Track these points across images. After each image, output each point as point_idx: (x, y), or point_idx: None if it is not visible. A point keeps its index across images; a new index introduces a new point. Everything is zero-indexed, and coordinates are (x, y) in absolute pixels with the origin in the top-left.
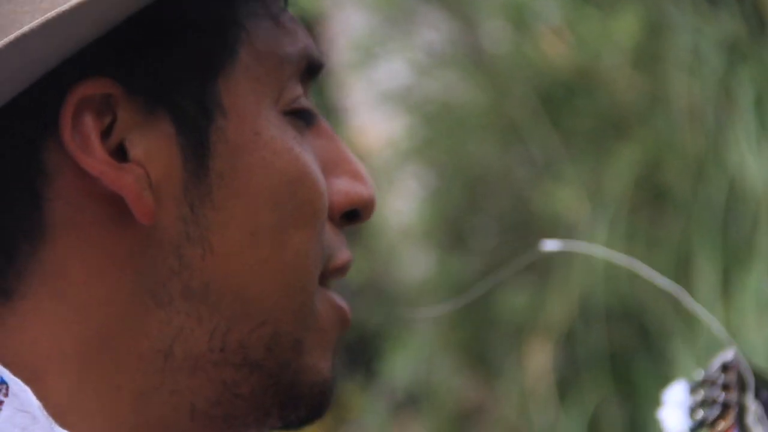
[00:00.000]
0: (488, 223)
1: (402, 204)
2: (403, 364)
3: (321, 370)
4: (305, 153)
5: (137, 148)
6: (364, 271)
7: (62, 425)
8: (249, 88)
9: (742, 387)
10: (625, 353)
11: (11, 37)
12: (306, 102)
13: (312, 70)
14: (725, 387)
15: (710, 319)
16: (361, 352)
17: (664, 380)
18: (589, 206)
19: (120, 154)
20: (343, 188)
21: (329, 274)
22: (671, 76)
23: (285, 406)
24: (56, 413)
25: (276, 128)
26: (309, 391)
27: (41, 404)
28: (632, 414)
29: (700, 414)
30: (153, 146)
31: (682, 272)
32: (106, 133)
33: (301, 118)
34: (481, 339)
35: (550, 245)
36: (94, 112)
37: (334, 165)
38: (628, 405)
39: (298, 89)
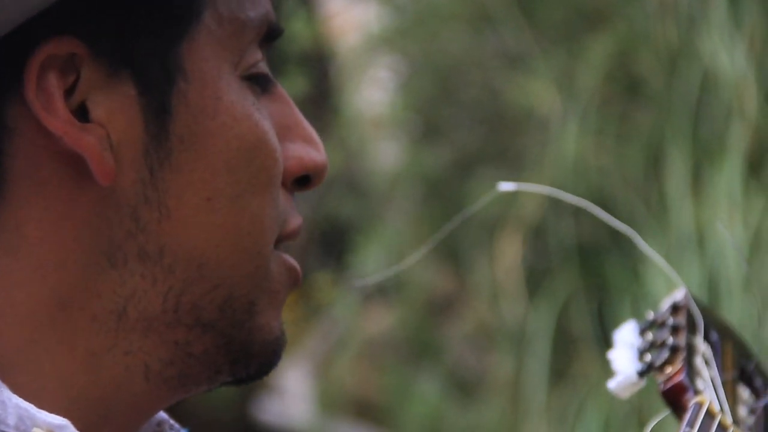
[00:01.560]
0: (460, 113)
1: (373, 94)
2: (374, 256)
3: (273, 329)
4: (264, 120)
5: (99, 108)
6: (336, 162)
7: (11, 385)
8: (211, 51)
9: (692, 328)
10: (594, 247)
11: None
12: (264, 67)
13: (271, 35)
14: (674, 329)
15: (660, 261)
16: (333, 244)
17: (633, 274)
18: (561, 99)
19: (82, 113)
20: (296, 153)
21: (283, 238)
22: None
23: (236, 363)
24: (5, 371)
25: (236, 93)
26: (261, 349)
27: None
28: (601, 307)
29: (649, 357)
30: (115, 107)
31: (653, 166)
32: (68, 93)
33: (258, 83)
34: (451, 231)
35: (506, 186)
36: (58, 71)
37: (287, 129)
38: (597, 298)
39: (258, 54)
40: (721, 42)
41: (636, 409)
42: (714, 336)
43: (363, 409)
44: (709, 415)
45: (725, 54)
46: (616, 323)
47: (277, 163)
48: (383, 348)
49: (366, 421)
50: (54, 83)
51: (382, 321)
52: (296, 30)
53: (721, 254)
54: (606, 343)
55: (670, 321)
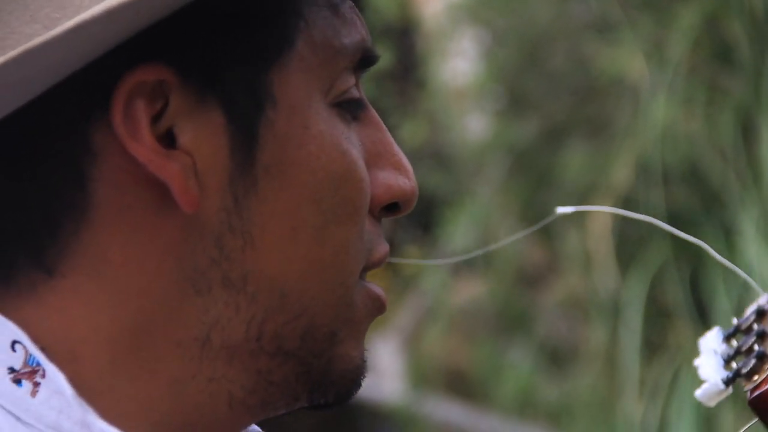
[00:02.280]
0: (547, 83)
1: (459, 65)
2: (462, 227)
3: (353, 359)
4: (352, 149)
5: (186, 135)
6: (421, 134)
7: (95, 409)
8: (302, 78)
9: None
10: (686, 215)
11: (73, 22)
12: (355, 92)
13: (366, 62)
14: (760, 336)
15: (741, 273)
16: (421, 217)
17: (726, 242)
18: (650, 67)
19: (168, 139)
20: (385, 181)
21: (369, 267)
22: None
23: (314, 391)
24: (90, 397)
25: (324, 122)
26: (340, 378)
27: (75, 387)
28: (694, 276)
29: (735, 365)
30: (201, 134)
31: (743, 133)
32: (155, 119)
33: (349, 109)
34: (540, 201)
35: (564, 210)
36: (146, 97)
37: (378, 156)
38: (689, 267)
39: (350, 80)
40: None
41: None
42: None
43: (454, 383)
44: None
45: None
46: (710, 293)
47: (364, 193)
48: (473, 320)
49: (457, 395)
50: (141, 109)
51: (471, 293)
52: (381, 2)
53: None
54: (699, 313)
55: (756, 327)
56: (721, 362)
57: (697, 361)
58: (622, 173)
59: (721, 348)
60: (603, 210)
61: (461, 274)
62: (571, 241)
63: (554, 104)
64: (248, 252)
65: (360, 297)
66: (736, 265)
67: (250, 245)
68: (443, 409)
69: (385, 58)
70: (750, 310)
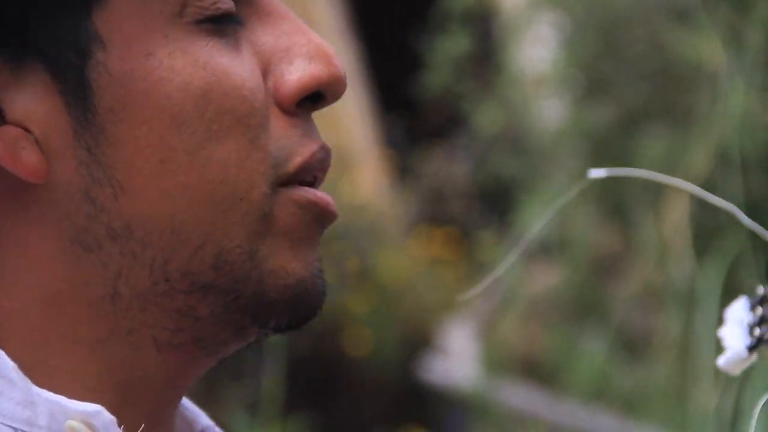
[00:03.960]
0: (625, 69)
1: (536, 51)
2: (538, 214)
3: (292, 271)
4: (221, 57)
5: (13, 107)
6: (498, 121)
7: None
8: (133, 10)
9: None
10: (763, 202)
11: None
12: (226, 4)
13: None
14: None
15: None
16: (496, 202)
17: None
18: (728, 54)
19: (1, 118)
20: (293, 75)
21: (294, 174)
22: None
23: (258, 317)
24: (25, 374)
25: (177, 42)
26: (280, 295)
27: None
28: None
29: (758, 331)
30: (29, 101)
31: None
32: None
33: (225, 21)
34: (617, 188)
35: (597, 173)
36: None
37: (286, 51)
38: (766, 256)
39: None
40: None
41: None
42: None
43: (528, 369)
44: None
45: None
46: None
47: (244, 99)
48: (548, 307)
49: (532, 381)
50: None
51: (546, 280)
52: None
53: None
54: None
55: None
56: (746, 330)
57: (721, 331)
58: (699, 160)
59: (748, 317)
60: (637, 174)
61: (536, 261)
62: (647, 229)
63: (632, 91)
64: (121, 199)
65: (282, 206)
66: None
67: (121, 191)
68: (517, 395)
69: (463, 44)
70: None
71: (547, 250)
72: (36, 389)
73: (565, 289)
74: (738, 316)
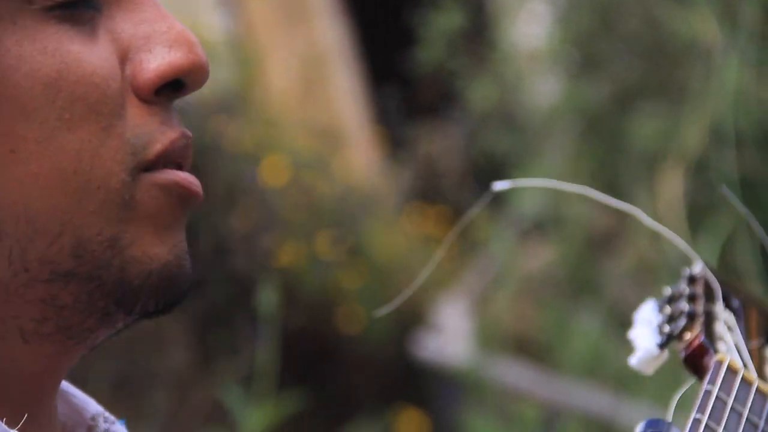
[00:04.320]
0: (620, 46)
1: (530, 27)
2: (531, 192)
3: (155, 257)
4: (71, 44)
5: None
6: (492, 97)
7: None
8: None
9: (710, 298)
10: (758, 180)
11: None
12: None
13: None
14: (691, 298)
15: (673, 237)
16: (489, 179)
17: None
18: (722, 31)
19: None
20: (151, 63)
21: (154, 160)
22: None
23: (122, 303)
24: None
25: (25, 30)
26: (144, 281)
27: None
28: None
29: (667, 329)
30: None
31: None
32: None
33: (76, 8)
34: (611, 166)
35: (501, 185)
36: None
37: (146, 39)
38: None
39: None
40: None
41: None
42: (736, 303)
43: (522, 346)
44: (731, 371)
45: None
46: None
47: (97, 87)
48: (542, 284)
49: (525, 358)
50: None
51: (540, 257)
52: None
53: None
54: None
55: (687, 291)
56: (656, 330)
57: (631, 334)
58: (694, 137)
59: (657, 318)
60: (538, 184)
61: (529, 239)
62: (641, 206)
63: (626, 67)
64: None
65: (145, 192)
66: None
67: None
68: (510, 372)
69: (456, 20)
70: (682, 279)
71: (541, 227)
72: None
73: (559, 267)
74: (646, 317)
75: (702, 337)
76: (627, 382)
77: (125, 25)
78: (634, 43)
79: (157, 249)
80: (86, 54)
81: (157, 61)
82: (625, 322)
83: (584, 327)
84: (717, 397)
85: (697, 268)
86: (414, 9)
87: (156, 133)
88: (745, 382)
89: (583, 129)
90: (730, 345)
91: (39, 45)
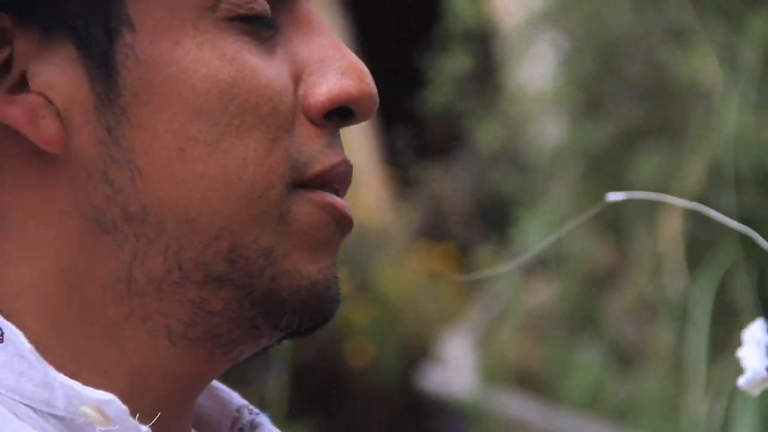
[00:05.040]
0: (622, 88)
1: (536, 70)
2: (535, 230)
3: (306, 274)
4: (249, 56)
5: (37, 76)
6: (498, 137)
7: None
8: None
9: None
10: (756, 219)
11: None
12: (261, 5)
13: None
14: None
15: None
16: (495, 218)
17: None
18: (723, 73)
19: (26, 86)
20: (323, 87)
21: (311, 180)
22: None
23: (270, 315)
24: (39, 351)
25: (207, 35)
26: (293, 296)
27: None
28: (762, 279)
29: None
30: (54, 73)
31: None
32: (4, 68)
33: (258, 23)
34: (613, 205)
35: (615, 197)
36: None
37: (320, 62)
38: (758, 270)
39: None
40: None
41: None
42: None
43: (524, 380)
44: None
45: None
46: None
47: (268, 100)
48: (544, 320)
49: (527, 392)
50: None
51: (543, 293)
52: (460, 8)
53: None
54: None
55: None
56: (765, 351)
57: (740, 352)
58: (694, 177)
59: (766, 338)
60: (656, 197)
61: (533, 275)
62: (641, 243)
63: (628, 109)
64: (138, 182)
65: (300, 207)
66: None
67: (138, 175)
68: (513, 405)
69: (464, 63)
70: None
71: (544, 264)
72: (52, 372)
73: (561, 303)
74: (756, 336)
75: None
76: (626, 414)
77: (301, 48)
78: (636, 84)
79: (309, 267)
80: (263, 67)
81: (329, 86)
82: (624, 357)
83: (585, 361)
84: None
85: None
86: (424, 52)
87: (319, 154)
88: None
89: (586, 168)
90: None
91: (218, 51)
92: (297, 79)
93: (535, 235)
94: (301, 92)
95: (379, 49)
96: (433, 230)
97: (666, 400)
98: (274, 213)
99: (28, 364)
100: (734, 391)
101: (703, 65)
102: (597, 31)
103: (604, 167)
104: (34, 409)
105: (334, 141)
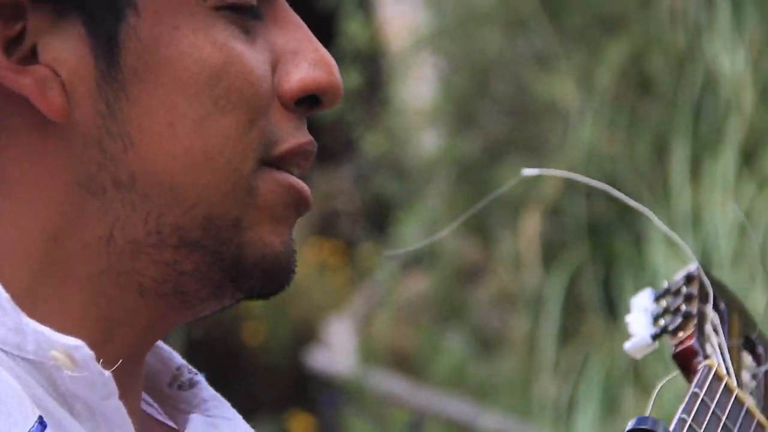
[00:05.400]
0: (492, 106)
1: (418, 88)
2: (412, 230)
3: (269, 243)
4: (236, 43)
5: (47, 50)
6: (382, 147)
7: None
8: None
9: (703, 298)
10: (604, 224)
11: None
12: None
13: None
14: (687, 298)
15: (677, 238)
16: (378, 218)
17: (637, 248)
18: (580, 94)
19: (34, 58)
20: (297, 75)
21: (279, 157)
22: None
23: (236, 278)
24: (16, 300)
25: (201, 22)
26: (258, 263)
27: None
28: (607, 277)
29: (663, 322)
30: (63, 48)
31: (657, 155)
32: (17, 40)
33: (243, 12)
34: (481, 209)
35: (529, 171)
36: (2, 20)
37: (294, 53)
38: (604, 269)
39: None
40: (723, 46)
41: (633, 366)
42: (722, 305)
43: (398, 361)
44: (717, 378)
45: (726, 57)
46: (620, 291)
47: (251, 84)
48: (417, 308)
49: (400, 371)
50: None
51: (417, 285)
52: (352, 31)
53: (714, 233)
54: (610, 308)
55: (684, 290)
56: (650, 319)
57: (628, 318)
58: (550, 186)
59: (651, 307)
60: (564, 175)
61: (409, 269)
62: (504, 243)
63: (496, 124)
64: (130, 152)
65: (265, 184)
66: (643, 268)
67: (131, 146)
68: (387, 383)
69: (355, 80)
70: (680, 274)
71: (418, 259)
72: (25, 319)
73: (432, 293)
74: (643, 304)
75: (694, 339)
76: (485, 393)
77: (278, 39)
78: (503, 103)
79: (271, 237)
80: (247, 54)
81: (301, 75)
82: (485, 342)
83: (451, 345)
84: (702, 400)
85: (693, 268)
86: None
87: (289, 135)
88: (727, 390)
89: (458, 176)
90: (716, 349)
91: (210, 38)
92: (273, 66)
93: (411, 234)
94: (276, 79)
95: None
96: (324, 227)
97: (520, 381)
98: (244, 186)
99: (2, 311)
100: (580, 375)
101: (562, 87)
102: (471, 54)
103: (474, 175)
104: (6, 353)
105: (302, 124)
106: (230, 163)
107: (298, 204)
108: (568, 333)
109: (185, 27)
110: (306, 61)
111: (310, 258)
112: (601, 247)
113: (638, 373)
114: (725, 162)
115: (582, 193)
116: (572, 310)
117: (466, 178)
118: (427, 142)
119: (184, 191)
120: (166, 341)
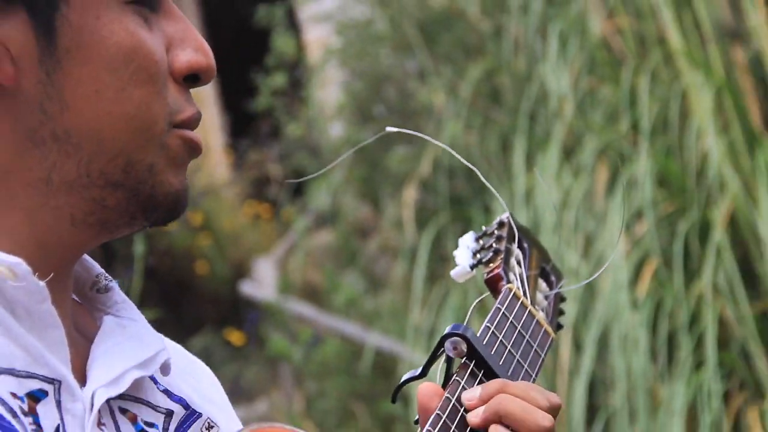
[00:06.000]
0: (383, 107)
1: (328, 90)
2: (322, 195)
3: (173, 184)
4: (141, 31)
5: (1, 30)
6: (301, 132)
7: None
8: None
9: (510, 239)
10: (462, 196)
11: None
12: None
13: None
14: (498, 239)
15: (497, 195)
16: (298, 186)
17: (485, 215)
18: (448, 101)
19: None
20: (185, 57)
21: (182, 122)
22: (508, 18)
23: (146, 210)
24: None
25: (115, 13)
26: (164, 199)
27: None
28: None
29: (479, 256)
30: (12, 29)
31: (503, 150)
32: None
33: (145, 5)
34: (373, 183)
35: (391, 129)
36: None
37: (181, 40)
38: (461, 228)
39: None
40: (552, 70)
41: (480, 302)
42: (525, 245)
43: (308, 292)
44: (515, 297)
45: (554, 78)
46: None
47: (155, 63)
48: (324, 254)
49: (309, 300)
50: None
51: (324, 237)
52: (282, 45)
53: (542, 208)
54: None
55: (497, 233)
56: (471, 254)
57: (454, 252)
58: (425, 167)
59: (473, 245)
60: (424, 137)
61: (318, 224)
62: (389, 208)
63: (387, 120)
64: (65, 113)
65: (173, 140)
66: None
67: (66, 107)
68: (298, 308)
69: (281, 81)
70: (495, 221)
71: (326, 217)
72: None
73: (335, 243)
74: (466, 242)
75: (501, 269)
76: (371, 320)
77: (168, 28)
78: (392, 105)
79: (174, 180)
80: (149, 40)
81: (187, 56)
82: (373, 282)
83: (348, 283)
84: (503, 313)
85: (505, 216)
86: (257, 72)
87: (184, 104)
88: (523, 306)
89: (356, 157)
90: (517, 277)
91: (123, 26)
92: (166, 50)
93: (321, 198)
94: (168, 59)
95: (228, 68)
96: (256, 191)
97: (398, 312)
98: (157, 141)
99: None
100: (441, 307)
101: (435, 95)
102: (368, 68)
103: (368, 157)
104: None
105: (189, 96)
106: (144, 124)
107: (193, 151)
108: (433, 276)
109: (104, 17)
110: (191, 47)
111: (245, 214)
112: (460, 213)
113: (483, 306)
114: (551, 156)
115: (447, 173)
116: (437, 259)
117: (362, 160)
118: (334, 130)
119: (109, 144)
120: (128, 272)
